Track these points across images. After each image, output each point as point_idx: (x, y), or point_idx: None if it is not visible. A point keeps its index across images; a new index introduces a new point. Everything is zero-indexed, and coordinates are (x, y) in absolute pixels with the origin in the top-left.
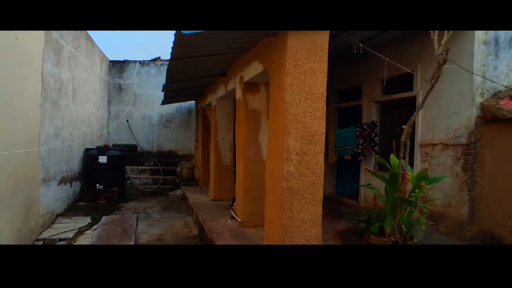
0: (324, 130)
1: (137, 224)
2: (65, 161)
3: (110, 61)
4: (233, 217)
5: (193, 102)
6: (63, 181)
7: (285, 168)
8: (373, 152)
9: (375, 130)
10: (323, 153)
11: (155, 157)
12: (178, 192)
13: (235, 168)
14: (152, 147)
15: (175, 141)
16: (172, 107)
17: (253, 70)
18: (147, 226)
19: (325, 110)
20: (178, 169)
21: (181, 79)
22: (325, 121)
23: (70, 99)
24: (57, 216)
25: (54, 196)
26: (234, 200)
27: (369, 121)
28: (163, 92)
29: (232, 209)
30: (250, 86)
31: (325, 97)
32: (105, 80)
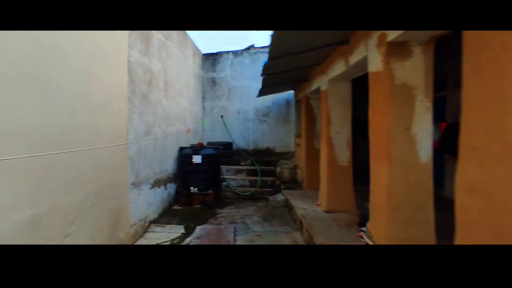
0: None
1: (235, 240)
2: (159, 162)
3: (202, 54)
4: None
5: (291, 92)
6: (156, 184)
7: None
8: None
9: None
10: None
11: (251, 156)
12: (279, 197)
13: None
14: (247, 144)
15: (272, 137)
16: (267, 99)
17: None
18: (247, 242)
19: None
20: (278, 169)
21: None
22: None
23: (162, 93)
24: (150, 223)
25: (147, 201)
26: (363, 217)
27: None
28: (262, 77)
29: (364, 231)
30: (398, 48)
31: None
32: (199, 75)
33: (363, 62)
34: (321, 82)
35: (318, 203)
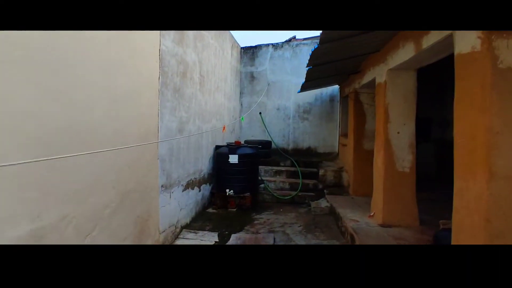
0: None
1: None
2: (192, 162)
3: (241, 47)
4: None
5: (336, 87)
6: (189, 185)
7: None
8: None
9: None
10: None
11: (291, 156)
12: (323, 203)
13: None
14: (287, 143)
15: (314, 136)
16: (310, 95)
17: None
18: None
19: None
20: (321, 172)
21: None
22: None
23: (197, 86)
24: (182, 228)
25: (179, 204)
26: (439, 238)
27: None
28: (308, 68)
29: None
30: None
31: None
32: (237, 69)
33: (445, 43)
34: (377, 73)
35: (371, 214)
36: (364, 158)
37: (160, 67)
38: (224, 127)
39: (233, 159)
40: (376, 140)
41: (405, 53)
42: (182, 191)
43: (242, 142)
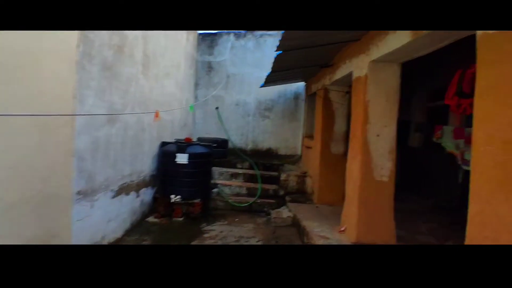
0: None
1: None
2: (129, 160)
3: (199, 33)
4: None
5: (300, 84)
6: (124, 190)
7: None
8: None
9: None
10: None
11: (250, 157)
12: (285, 212)
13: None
14: (246, 143)
15: (275, 136)
16: (272, 91)
17: None
18: None
19: None
20: (282, 176)
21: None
22: None
23: (139, 68)
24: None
25: (106, 215)
26: None
27: None
28: (278, 53)
29: None
30: None
31: None
32: (193, 56)
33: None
34: (356, 66)
35: (342, 228)
36: (332, 163)
37: (81, 32)
38: (157, 113)
39: (182, 158)
40: (351, 143)
41: (396, 39)
42: (112, 198)
43: (195, 139)
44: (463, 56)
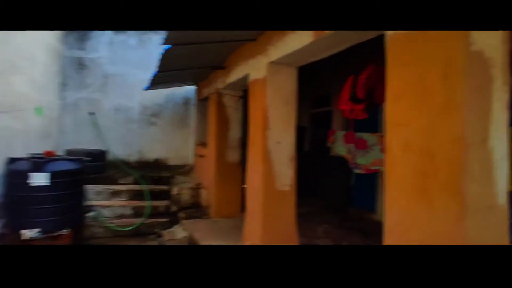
0: None
1: None
2: None
3: None
4: None
5: (191, 88)
6: None
7: None
8: None
9: None
10: None
11: (136, 170)
12: (179, 232)
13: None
14: (130, 153)
15: (165, 144)
16: (159, 95)
17: None
18: None
19: None
20: (174, 190)
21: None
22: None
23: None
24: None
25: None
26: None
27: None
28: (165, 47)
29: None
30: None
31: None
32: (56, 49)
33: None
34: (253, 68)
35: (246, 244)
36: (228, 172)
37: None
38: None
39: (39, 179)
40: (250, 152)
41: (297, 40)
42: None
43: (61, 153)
44: (345, 65)
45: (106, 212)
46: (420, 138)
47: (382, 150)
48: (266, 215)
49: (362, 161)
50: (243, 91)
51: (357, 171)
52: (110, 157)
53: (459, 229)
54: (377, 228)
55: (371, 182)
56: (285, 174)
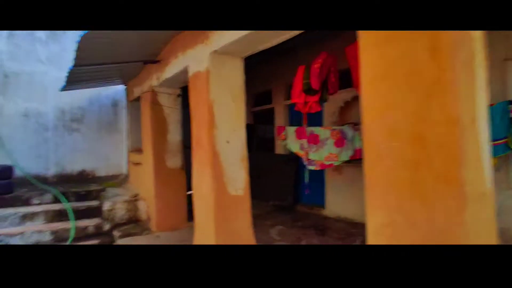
0: None
1: None
2: None
3: None
4: None
5: (120, 88)
6: None
7: None
8: None
9: None
10: None
11: (55, 185)
12: None
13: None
14: (46, 167)
15: (91, 153)
16: (81, 97)
17: None
18: None
19: None
20: (106, 205)
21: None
22: None
23: None
24: None
25: None
26: None
27: None
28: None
29: None
30: None
31: None
32: None
33: None
34: (193, 59)
35: None
36: (169, 179)
37: None
38: None
39: None
40: (195, 155)
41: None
42: None
43: None
44: (284, 59)
45: (15, 241)
46: (408, 122)
47: (336, 144)
48: (219, 225)
49: (316, 157)
50: (182, 88)
51: (311, 167)
52: (18, 173)
53: (459, 223)
54: (330, 223)
55: (318, 178)
56: (238, 177)
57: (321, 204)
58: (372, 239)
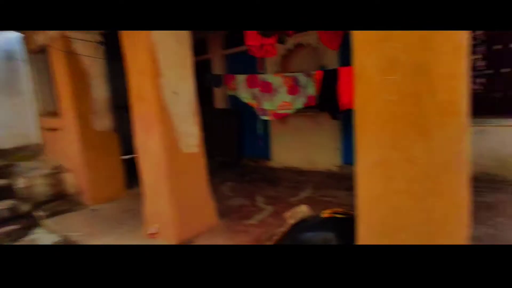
0: None
1: None
2: None
3: None
4: None
5: (14, 36)
6: None
7: None
8: None
9: None
10: None
11: None
12: (45, 237)
13: None
14: None
15: None
16: None
17: None
18: None
19: None
20: (20, 182)
21: None
22: None
23: None
24: None
25: None
26: None
27: None
28: None
29: None
30: None
31: None
32: None
33: None
34: None
35: (153, 231)
36: (99, 144)
37: None
38: None
39: None
40: (137, 110)
41: None
42: None
43: None
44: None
45: None
46: (409, 52)
47: (289, 92)
48: (174, 187)
49: (269, 106)
50: (103, 34)
51: (265, 117)
52: None
53: (459, 152)
54: (278, 174)
55: (262, 128)
56: (190, 132)
57: (267, 156)
58: (363, 179)
